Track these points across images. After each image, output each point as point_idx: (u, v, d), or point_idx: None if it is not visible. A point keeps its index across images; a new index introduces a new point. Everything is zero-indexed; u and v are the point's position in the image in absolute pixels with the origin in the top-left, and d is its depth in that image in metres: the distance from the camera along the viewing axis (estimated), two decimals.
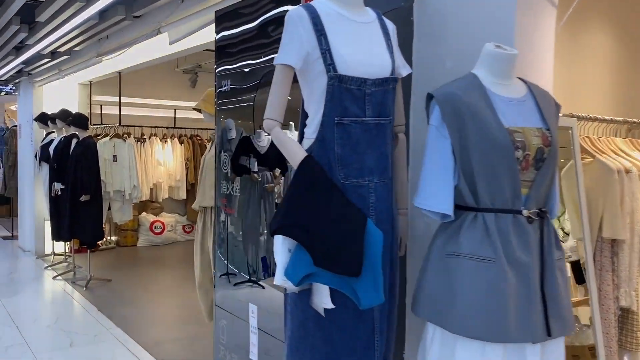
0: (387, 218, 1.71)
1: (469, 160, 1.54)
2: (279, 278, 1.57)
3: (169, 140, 8.49)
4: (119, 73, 6.98)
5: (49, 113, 6.99)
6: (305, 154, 1.62)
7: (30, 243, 7.70)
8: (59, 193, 6.40)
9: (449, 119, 1.55)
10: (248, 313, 2.53)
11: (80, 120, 5.98)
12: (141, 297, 5.62)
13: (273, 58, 1.67)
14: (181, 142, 8.56)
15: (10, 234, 9.08)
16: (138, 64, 6.04)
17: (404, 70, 1.79)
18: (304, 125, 1.76)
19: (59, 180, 6.30)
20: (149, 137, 8.15)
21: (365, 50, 1.69)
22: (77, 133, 6.11)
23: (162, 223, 8.44)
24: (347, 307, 1.60)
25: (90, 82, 7.50)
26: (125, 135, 6.87)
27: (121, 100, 7.96)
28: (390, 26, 1.83)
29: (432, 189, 1.58)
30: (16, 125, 8.97)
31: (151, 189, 8.20)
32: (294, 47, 1.64)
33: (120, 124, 6.67)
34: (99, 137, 7.03)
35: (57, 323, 4.71)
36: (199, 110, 3.79)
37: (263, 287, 2.60)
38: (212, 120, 3.75)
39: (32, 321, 4.75)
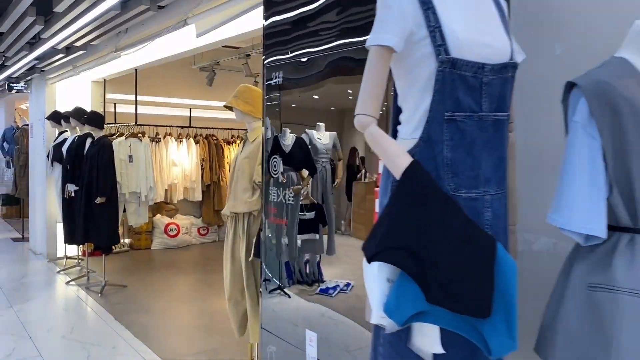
0: (504, 239, 1.39)
1: (626, 167, 1.23)
2: (376, 315, 1.26)
3: (184, 140, 8.23)
4: (135, 70, 6.71)
5: (62, 111, 6.74)
6: (411, 158, 1.30)
7: (42, 246, 7.45)
8: (73, 195, 6.14)
9: (599, 114, 1.23)
10: (304, 340, 2.21)
11: (95, 119, 5.72)
12: (159, 304, 5.34)
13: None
14: (196, 142, 8.29)
15: (21, 236, 8.83)
16: (155, 61, 5.77)
17: (519, 55, 1.45)
18: (397, 123, 1.43)
19: (73, 181, 6.04)
20: (164, 137, 7.89)
21: (481, 28, 1.36)
22: (91, 132, 5.85)
23: (177, 225, 8.17)
24: (456, 349, 1.29)
25: (105, 79, 7.23)
26: (140, 135, 6.60)
27: (122, 99, 7.71)
28: None
29: (578, 204, 1.25)
30: (27, 124, 8.73)
31: (166, 190, 7.94)
32: (395, 24, 1.31)
33: (136, 123, 6.40)
34: (114, 136, 6.76)
35: (72, 333, 4.44)
36: (230, 108, 3.50)
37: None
38: (244, 119, 3.47)
39: (46, 331, 4.48)
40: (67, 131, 6.94)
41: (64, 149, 6.52)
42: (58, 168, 6.86)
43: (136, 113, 6.57)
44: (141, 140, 6.38)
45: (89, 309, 5.17)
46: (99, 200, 5.58)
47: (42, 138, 7.28)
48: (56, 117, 6.87)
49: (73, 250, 6.94)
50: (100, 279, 5.83)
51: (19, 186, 8.54)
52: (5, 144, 10.80)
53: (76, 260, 7.10)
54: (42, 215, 7.41)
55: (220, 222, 8.77)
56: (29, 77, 7.57)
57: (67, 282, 6.07)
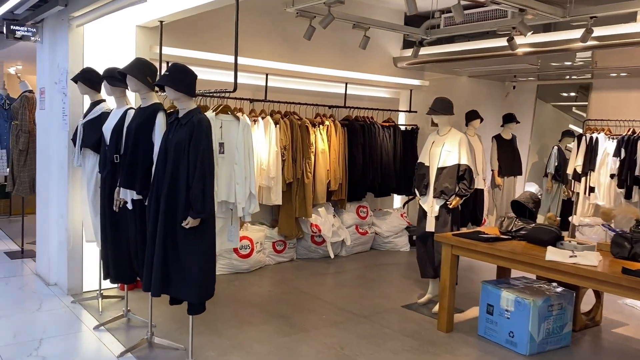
0: None
1: None
2: None
3: (259, 119, 5.76)
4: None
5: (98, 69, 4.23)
6: None
7: (58, 273, 4.97)
8: (129, 207, 3.69)
9: None
10: None
11: (183, 79, 3.25)
12: None
13: None
14: (276, 123, 5.83)
15: (20, 249, 6.28)
16: None
17: None
18: None
19: (132, 184, 3.58)
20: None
21: None
22: (159, 103, 3.38)
23: (250, 241, 5.73)
24: None
25: (161, 22, 4.71)
26: (237, 111, 4.07)
27: (183, 56, 5.24)
28: None
29: None
30: (31, 91, 6.13)
31: None
32: None
33: (235, 89, 3.89)
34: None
35: None
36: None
37: None
38: None
39: None
40: (104, 101, 4.44)
41: (107, 128, 4.03)
42: (92, 158, 4.37)
43: (236, 76, 3.90)
44: (238, 119, 3.90)
45: None
46: (190, 222, 3.15)
47: (63, 111, 4.74)
48: (91, 78, 4.36)
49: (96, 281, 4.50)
50: (146, 335, 3.42)
51: (18, 179, 5.97)
52: None
53: (117, 298, 4.66)
54: (59, 227, 4.91)
55: (300, 234, 6.37)
56: (38, 19, 4.99)
57: (95, 328, 3.63)
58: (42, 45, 5.10)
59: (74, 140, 4.51)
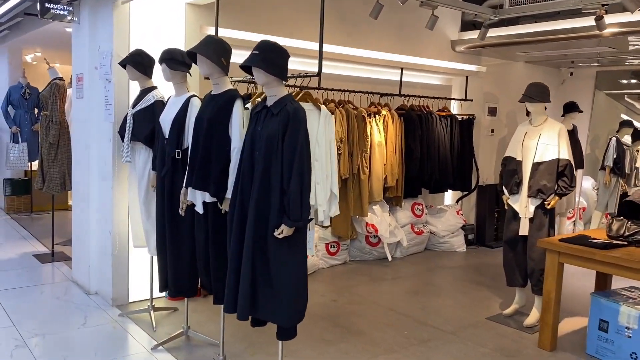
0: None
1: None
2: None
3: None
4: None
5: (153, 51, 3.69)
6: None
7: (100, 281, 4.44)
8: (199, 211, 3.16)
9: None
10: None
11: (277, 60, 2.68)
12: None
13: None
14: (331, 113, 5.27)
15: (50, 252, 5.75)
16: None
17: None
18: None
19: (204, 185, 3.04)
20: None
21: None
22: (234, 90, 2.83)
23: None
24: None
25: (218, 0, 4.15)
26: (318, 101, 3.50)
27: (236, 38, 4.67)
28: None
29: None
30: (61, 78, 5.57)
31: None
32: None
33: (320, 73, 3.33)
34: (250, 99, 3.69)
35: None
36: None
37: None
38: None
39: None
40: (155, 88, 3.89)
41: (166, 119, 3.48)
42: (144, 153, 3.84)
43: (320, 59, 3.31)
44: (319, 109, 3.34)
45: None
46: (284, 232, 2.61)
47: (107, 99, 4.19)
48: (142, 62, 3.81)
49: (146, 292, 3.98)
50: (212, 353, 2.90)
51: (48, 175, 5.43)
52: (10, 109, 7.61)
53: (170, 308, 4.15)
54: (102, 230, 4.38)
55: (354, 235, 5.84)
56: None
57: (155, 347, 3.11)
58: (80, 26, 4.53)
59: (121, 133, 3.96)
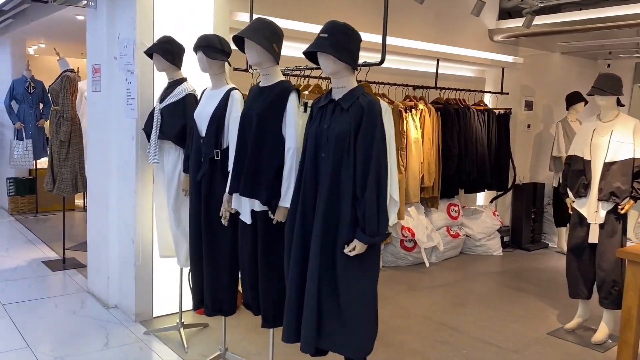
0: None
1: None
2: None
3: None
4: None
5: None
6: None
7: (121, 293, 4.03)
8: (246, 220, 2.74)
9: None
10: None
11: (349, 45, 2.26)
12: None
13: None
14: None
15: (61, 258, 5.31)
16: None
17: None
18: None
19: (253, 191, 2.62)
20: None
21: None
22: (285, 81, 2.53)
23: None
24: None
25: None
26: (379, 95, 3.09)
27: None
28: None
29: None
30: (72, 70, 5.12)
31: None
32: None
33: (382, 62, 2.89)
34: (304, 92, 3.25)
35: None
36: None
37: None
38: None
39: None
40: (185, 80, 3.47)
41: (202, 114, 3.06)
42: (174, 153, 3.43)
43: (384, 46, 2.88)
44: (378, 102, 2.93)
45: None
46: (357, 249, 2.20)
47: (129, 93, 3.75)
48: (172, 50, 3.38)
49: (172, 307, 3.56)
50: None
51: (59, 176, 5.00)
52: (13, 104, 7.16)
53: (200, 325, 3.74)
54: (123, 238, 3.96)
55: (388, 240, 5.43)
56: None
57: None
58: (96, 11, 4.09)
59: (147, 130, 3.53)
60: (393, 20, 5.26)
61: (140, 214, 3.79)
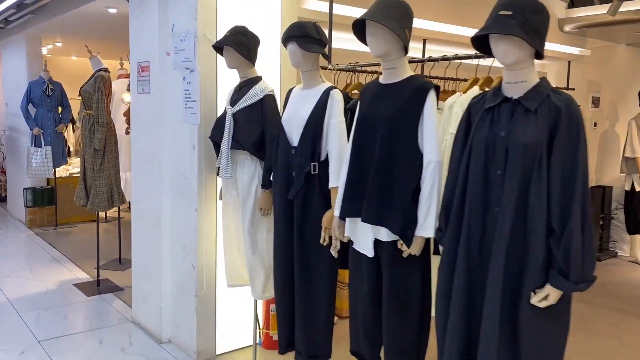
0: None
1: None
2: None
3: None
4: None
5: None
6: None
7: (178, 327, 3.47)
8: (368, 254, 2.19)
9: None
10: None
11: (539, 26, 1.72)
12: None
13: None
14: None
15: (94, 279, 4.74)
16: None
17: None
18: None
19: (382, 216, 2.07)
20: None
21: None
22: (416, 74, 2.03)
23: None
24: None
25: None
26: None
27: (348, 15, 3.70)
28: None
29: None
30: (106, 69, 4.55)
31: None
32: None
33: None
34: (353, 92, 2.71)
35: None
36: None
37: None
38: None
39: None
40: (261, 78, 2.91)
41: (293, 119, 2.51)
42: (250, 166, 2.88)
43: None
44: None
45: None
46: (551, 297, 1.66)
47: (188, 94, 3.19)
48: (247, 43, 2.82)
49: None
50: None
51: (93, 188, 4.43)
52: (30, 108, 6.60)
53: None
54: (179, 263, 3.41)
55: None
56: None
57: None
58: (136, 2, 3.53)
59: (214, 138, 2.98)
60: (468, 9, 4.73)
61: (202, 236, 3.23)
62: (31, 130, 6.51)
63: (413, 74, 2.14)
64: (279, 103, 2.94)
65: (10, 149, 7.83)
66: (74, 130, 8.91)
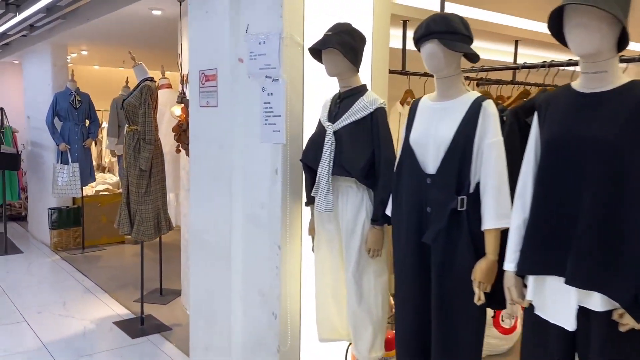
0: None
1: None
2: None
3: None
4: None
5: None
6: None
7: None
8: (570, 327, 1.61)
9: None
10: None
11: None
12: None
13: None
14: None
15: (138, 316, 4.18)
16: None
17: None
18: None
19: (604, 280, 1.49)
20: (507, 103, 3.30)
21: None
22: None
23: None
24: None
25: None
26: None
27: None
28: None
29: None
30: (151, 79, 4.00)
31: None
32: None
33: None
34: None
35: None
36: None
37: None
38: None
39: None
40: (366, 88, 2.37)
41: (424, 142, 1.95)
42: (353, 195, 2.34)
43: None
44: None
45: None
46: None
47: (269, 109, 2.64)
48: (354, 44, 2.29)
49: None
50: None
51: (138, 215, 3.88)
52: (56, 121, 6.09)
53: None
54: (255, 311, 2.85)
55: None
56: None
57: None
58: None
59: (308, 162, 2.43)
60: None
61: (286, 279, 2.67)
62: (57, 145, 6.01)
63: (631, 78, 1.58)
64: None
65: (32, 165, 7.32)
66: (95, 144, 8.39)
